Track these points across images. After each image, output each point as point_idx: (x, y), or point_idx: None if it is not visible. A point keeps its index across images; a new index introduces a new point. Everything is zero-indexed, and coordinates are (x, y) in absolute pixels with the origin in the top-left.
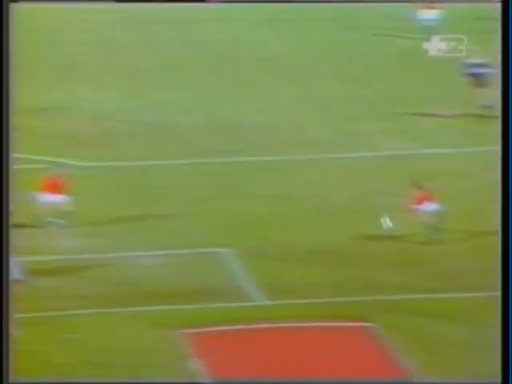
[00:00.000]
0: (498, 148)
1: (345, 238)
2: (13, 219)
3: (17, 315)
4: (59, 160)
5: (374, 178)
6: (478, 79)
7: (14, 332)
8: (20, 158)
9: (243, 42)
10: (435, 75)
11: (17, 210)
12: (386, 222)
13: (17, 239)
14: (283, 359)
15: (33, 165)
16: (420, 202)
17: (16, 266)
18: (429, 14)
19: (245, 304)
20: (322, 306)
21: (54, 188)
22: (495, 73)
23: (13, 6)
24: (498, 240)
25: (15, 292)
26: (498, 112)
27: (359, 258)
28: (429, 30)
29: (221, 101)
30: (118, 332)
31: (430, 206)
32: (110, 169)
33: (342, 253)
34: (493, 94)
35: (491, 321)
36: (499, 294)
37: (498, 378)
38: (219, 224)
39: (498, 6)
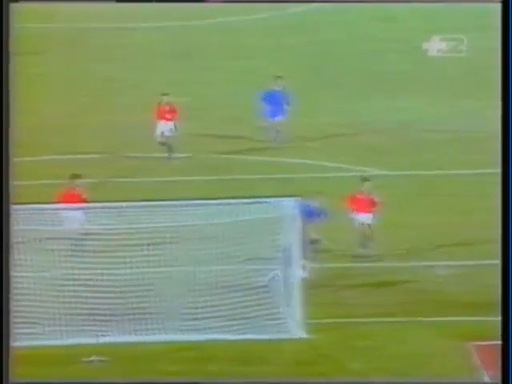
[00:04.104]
0: None
1: None
2: None
3: (311, 321)
4: (365, 169)
5: None
6: None
7: None
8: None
9: None
10: None
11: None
12: None
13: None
14: None
15: (342, 173)
16: None
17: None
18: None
19: None
20: None
21: (363, 206)
22: None
23: (13, 6)
24: None
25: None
26: None
27: None
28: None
29: None
30: (410, 341)
31: None
32: (410, 178)
33: None
34: None
35: None
36: None
37: (498, 378)
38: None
39: (498, 6)
